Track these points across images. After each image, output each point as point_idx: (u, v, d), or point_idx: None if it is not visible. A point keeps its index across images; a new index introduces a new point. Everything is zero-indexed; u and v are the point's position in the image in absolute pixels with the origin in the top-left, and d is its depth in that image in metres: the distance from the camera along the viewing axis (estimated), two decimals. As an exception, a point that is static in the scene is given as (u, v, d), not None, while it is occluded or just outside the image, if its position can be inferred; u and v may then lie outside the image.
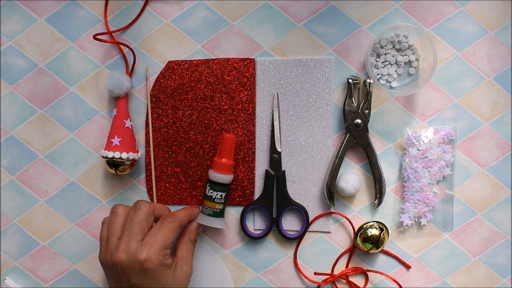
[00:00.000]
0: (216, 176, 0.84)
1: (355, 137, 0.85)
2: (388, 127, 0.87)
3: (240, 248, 0.89)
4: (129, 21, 0.87)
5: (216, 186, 0.84)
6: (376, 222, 0.86)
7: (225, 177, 0.84)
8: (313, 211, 0.88)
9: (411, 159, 0.86)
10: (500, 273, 0.88)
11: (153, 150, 0.87)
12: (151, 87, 0.87)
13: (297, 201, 0.87)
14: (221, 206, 0.85)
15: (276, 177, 0.87)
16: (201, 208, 0.86)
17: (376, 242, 0.85)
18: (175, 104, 0.87)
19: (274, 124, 0.87)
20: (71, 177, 0.89)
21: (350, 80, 0.85)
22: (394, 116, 0.87)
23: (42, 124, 0.88)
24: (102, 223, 0.81)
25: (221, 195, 0.84)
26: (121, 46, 0.87)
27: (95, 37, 0.84)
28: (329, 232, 0.88)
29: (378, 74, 0.86)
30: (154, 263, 0.75)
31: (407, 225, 0.86)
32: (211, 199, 0.84)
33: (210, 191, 0.84)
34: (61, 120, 0.88)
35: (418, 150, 0.86)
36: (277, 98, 0.87)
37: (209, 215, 0.84)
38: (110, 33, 0.87)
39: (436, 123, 0.87)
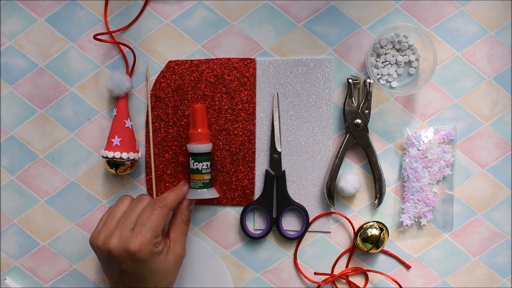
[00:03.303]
0: (197, 147, 0.83)
1: (355, 137, 0.85)
2: (388, 127, 0.87)
3: (240, 248, 0.89)
4: (129, 21, 0.87)
5: (199, 157, 0.84)
6: (376, 222, 0.86)
7: (205, 146, 0.84)
8: (313, 211, 0.88)
9: (411, 159, 0.86)
10: (500, 273, 0.88)
11: (153, 150, 0.87)
12: (151, 87, 0.87)
13: (297, 201, 0.87)
14: (209, 176, 0.85)
15: (276, 177, 0.87)
16: (190, 184, 0.85)
17: (376, 242, 0.85)
18: (175, 104, 0.87)
19: (274, 124, 0.87)
20: (71, 177, 0.89)
21: (350, 80, 0.85)
22: (394, 116, 0.87)
23: (42, 124, 0.88)
24: (109, 207, 0.82)
25: (207, 165, 0.84)
26: (121, 46, 0.87)
27: (95, 37, 0.84)
28: (329, 232, 0.88)
29: (378, 74, 0.86)
30: (145, 253, 0.76)
31: (407, 225, 0.86)
32: (198, 171, 0.84)
33: (195, 163, 0.84)
34: (61, 120, 0.88)
35: (418, 150, 0.86)
36: (277, 98, 0.87)
37: (200, 187, 0.84)
38: (110, 33, 0.87)
39: (436, 123, 0.87)
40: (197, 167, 0.84)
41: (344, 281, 0.88)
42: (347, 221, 0.88)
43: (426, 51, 0.85)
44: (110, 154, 0.84)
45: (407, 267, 0.88)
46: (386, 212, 0.88)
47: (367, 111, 0.85)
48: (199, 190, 0.84)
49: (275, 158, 0.87)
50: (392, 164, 0.87)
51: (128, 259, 0.76)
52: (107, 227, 0.79)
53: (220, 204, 0.88)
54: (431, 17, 0.86)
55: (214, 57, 0.87)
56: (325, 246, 0.88)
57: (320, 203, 0.88)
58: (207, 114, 0.87)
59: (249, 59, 0.86)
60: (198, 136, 0.84)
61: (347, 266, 0.88)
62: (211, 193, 0.85)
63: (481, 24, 0.86)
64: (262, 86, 0.87)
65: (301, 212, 0.87)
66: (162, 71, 0.87)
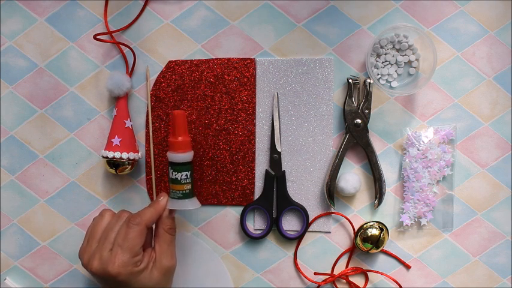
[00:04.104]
0: (176, 156, 0.80)
1: (355, 137, 0.85)
2: (388, 127, 0.87)
3: (240, 248, 0.89)
4: (129, 21, 0.87)
5: (178, 167, 0.80)
6: (376, 222, 0.86)
7: (185, 156, 0.80)
8: (313, 211, 0.88)
9: (411, 159, 0.86)
10: (500, 273, 0.88)
11: (153, 150, 0.87)
12: (151, 87, 0.87)
13: (297, 201, 0.87)
14: (189, 186, 0.81)
15: (276, 177, 0.87)
16: (169, 194, 0.82)
17: (376, 242, 0.85)
18: (175, 104, 0.87)
19: (274, 124, 0.87)
20: (71, 177, 0.89)
21: (350, 80, 0.85)
22: (394, 116, 0.87)
23: (42, 124, 0.88)
24: (93, 219, 0.82)
25: (186, 175, 0.81)
26: (121, 46, 0.87)
27: (95, 37, 0.84)
28: (329, 232, 0.88)
29: (378, 74, 0.86)
30: (125, 275, 0.76)
31: (407, 225, 0.86)
32: (177, 181, 0.81)
33: (174, 173, 0.80)
34: (61, 120, 0.88)
35: (418, 150, 0.86)
36: (277, 98, 0.87)
37: (179, 198, 0.81)
38: (110, 33, 0.87)
39: (436, 123, 0.87)
40: (176, 176, 0.81)
41: (344, 281, 0.88)
42: (347, 221, 0.88)
43: (426, 51, 0.85)
44: (110, 154, 0.83)
45: (407, 267, 0.88)
46: (387, 212, 0.88)
47: (367, 111, 0.85)
48: (180, 200, 0.81)
49: (275, 158, 0.87)
50: (392, 164, 0.87)
51: (110, 281, 0.76)
52: (89, 246, 0.78)
53: (220, 204, 0.88)
54: (431, 17, 0.86)
55: (214, 57, 0.87)
56: (325, 246, 0.88)
57: (320, 203, 0.88)
58: (207, 114, 0.87)
59: (249, 59, 0.87)
60: (178, 145, 0.80)
61: (347, 266, 0.88)
62: (192, 203, 0.81)
63: (481, 24, 0.86)
64: (262, 86, 0.87)
65: (301, 212, 0.87)
66: (162, 71, 0.87)
